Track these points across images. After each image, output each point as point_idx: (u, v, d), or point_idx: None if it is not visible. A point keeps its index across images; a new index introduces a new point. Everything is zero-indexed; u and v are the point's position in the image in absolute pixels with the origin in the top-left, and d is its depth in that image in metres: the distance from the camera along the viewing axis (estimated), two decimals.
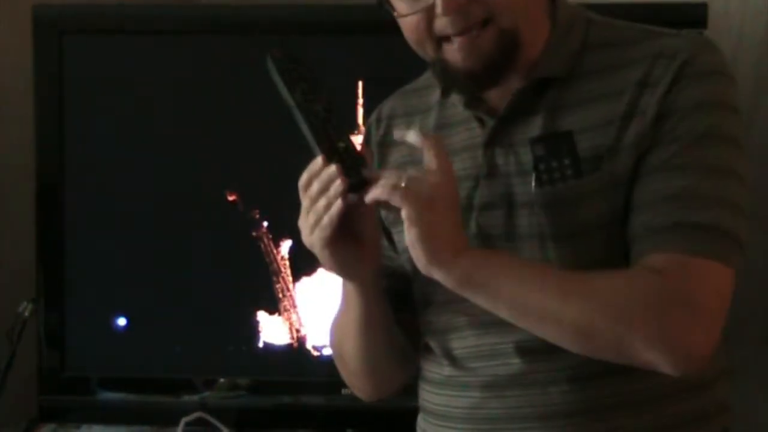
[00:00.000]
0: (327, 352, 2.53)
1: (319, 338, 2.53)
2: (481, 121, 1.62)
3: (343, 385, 2.51)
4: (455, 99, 1.64)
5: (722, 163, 1.52)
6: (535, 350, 1.55)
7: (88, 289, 2.57)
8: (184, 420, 2.44)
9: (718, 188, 1.51)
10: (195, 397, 2.53)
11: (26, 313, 2.50)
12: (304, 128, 1.51)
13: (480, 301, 1.51)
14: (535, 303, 1.49)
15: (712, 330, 1.49)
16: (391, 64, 2.49)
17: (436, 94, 1.69)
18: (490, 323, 1.56)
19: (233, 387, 2.55)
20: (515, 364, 1.57)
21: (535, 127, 1.58)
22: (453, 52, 1.55)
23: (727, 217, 1.50)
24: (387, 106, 1.77)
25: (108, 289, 2.57)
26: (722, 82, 1.56)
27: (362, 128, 2.48)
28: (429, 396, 1.69)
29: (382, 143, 1.74)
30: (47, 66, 2.54)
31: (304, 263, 2.52)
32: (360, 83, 2.49)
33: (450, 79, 1.60)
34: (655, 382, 1.54)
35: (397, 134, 1.56)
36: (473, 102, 1.62)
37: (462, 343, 1.62)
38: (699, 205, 1.49)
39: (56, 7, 2.55)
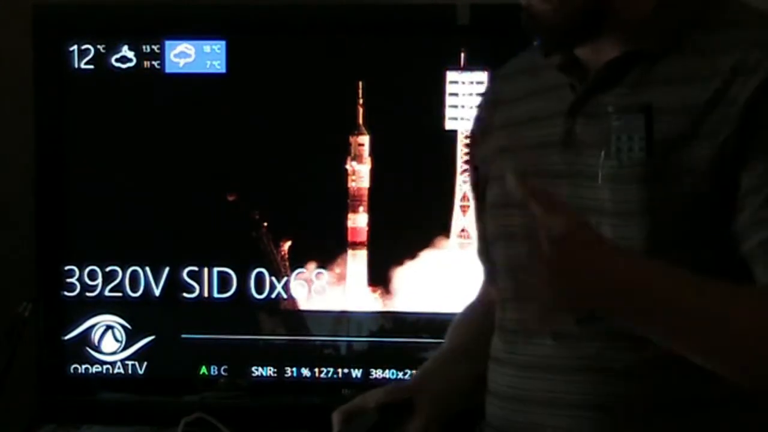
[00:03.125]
0: (327, 351, 2.53)
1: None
2: (573, 88, 1.58)
3: (343, 385, 2.53)
4: (554, 61, 1.60)
5: None
6: (566, 335, 1.52)
7: (88, 288, 2.56)
8: (184, 420, 2.43)
9: None
10: (195, 397, 2.52)
11: (26, 313, 2.50)
12: None
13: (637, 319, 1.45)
14: (696, 310, 1.43)
15: None
16: (391, 64, 2.51)
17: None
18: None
19: (233, 387, 2.54)
20: (548, 345, 1.55)
21: (619, 99, 1.54)
22: (539, 3, 1.53)
23: None
24: (505, 67, 1.74)
25: (108, 288, 2.56)
26: None
27: (362, 129, 2.48)
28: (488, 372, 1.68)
29: (495, 101, 1.72)
30: (47, 66, 2.54)
31: (303, 263, 2.52)
32: (360, 83, 2.49)
33: (533, 30, 1.56)
34: (699, 388, 1.47)
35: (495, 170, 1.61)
36: (567, 67, 1.59)
37: (505, 314, 1.62)
38: None
39: (56, 7, 2.55)
